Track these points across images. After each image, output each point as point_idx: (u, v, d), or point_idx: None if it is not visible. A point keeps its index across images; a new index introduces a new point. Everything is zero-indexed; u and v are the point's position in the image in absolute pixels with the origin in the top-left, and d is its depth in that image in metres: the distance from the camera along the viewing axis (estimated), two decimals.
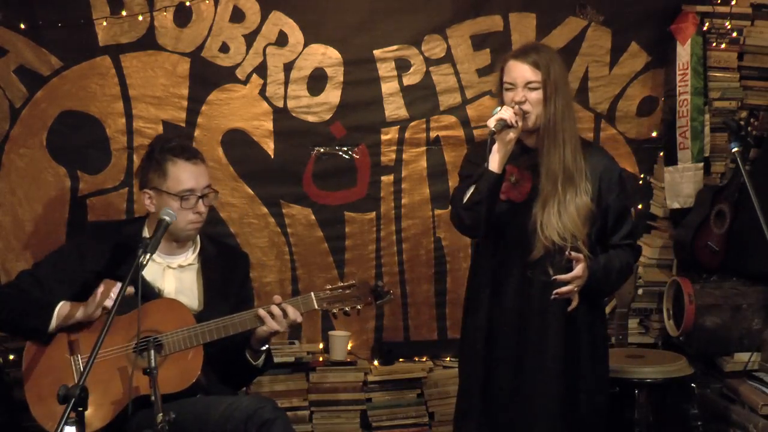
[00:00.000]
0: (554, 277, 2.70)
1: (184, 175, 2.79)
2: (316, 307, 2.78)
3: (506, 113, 2.61)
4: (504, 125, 2.60)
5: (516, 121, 2.62)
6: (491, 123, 2.61)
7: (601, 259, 2.77)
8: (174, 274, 2.88)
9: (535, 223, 2.70)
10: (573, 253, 2.68)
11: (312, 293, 2.80)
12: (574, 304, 2.73)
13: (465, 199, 2.67)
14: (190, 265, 2.91)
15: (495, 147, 2.63)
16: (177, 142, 2.88)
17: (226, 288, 2.93)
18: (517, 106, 2.66)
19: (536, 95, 2.68)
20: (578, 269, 2.68)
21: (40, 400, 2.66)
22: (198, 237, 2.96)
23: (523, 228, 2.72)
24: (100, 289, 2.66)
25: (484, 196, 2.61)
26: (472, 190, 2.65)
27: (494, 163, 2.63)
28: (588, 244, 2.73)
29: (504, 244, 2.77)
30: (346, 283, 2.83)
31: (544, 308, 2.75)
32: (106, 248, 2.81)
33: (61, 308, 2.70)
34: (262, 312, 2.72)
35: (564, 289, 2.70)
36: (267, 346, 2.86)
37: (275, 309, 2.72)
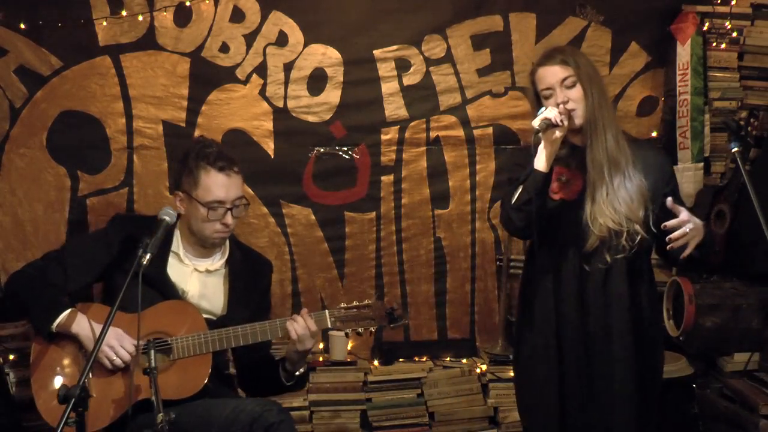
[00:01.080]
0: (664, 224, 2.55)
1: (214, 186, 2.76)
2: (330, 325, 2.76)
3: (551, 113, 2.62)
4: (548, 124, 2.60)
5: (561, 120, 2.62)
6: (536, 123, 2.61)
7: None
8: (200, 278, 2.87)
9: (587, 215, 2.68)
10: (671, 202, 2.54)
11: (326, 311, 2.78)
12: (689, 250, 2.59)
13: (513, 200, 2.66)
14: (217, 270, 2.90)
15: (541, 146, 2.63)
16: (214, 149, 2.82)
17: (249, 296, 2.92)
18: (562, 106, 2.66)
19: (577, 92, 2.68)
20: (684, 213, 2.55)
21: (45, 393, 2.65)
22: (227, 242, 2.94)
23: (577, 224, 2.70)
24: (113, 345, 2.65)
25: (532, 195, 2.62)
26: (519, 190, 2.65)
27: (540, 162, 2.63)
28: (645, 227, 2.68)
29: (560, 244, 2.74)
30: (361, 303, 2.80)
31: (605, 299, 2.72)
32: (133, 243, 2.75)
33: (65, 318, 2.67)
34: (289, 325, 2.72)
35: (677, 233, 2.54)
36: (302, 370, 2.85)
37: (299, 321, 2.72)
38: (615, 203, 2.66)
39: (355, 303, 2.80)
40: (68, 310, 2.68)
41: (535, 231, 2.67)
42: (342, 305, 2.80)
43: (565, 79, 2.68)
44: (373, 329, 2.79)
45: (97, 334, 2.63)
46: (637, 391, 2.72)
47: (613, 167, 2.68)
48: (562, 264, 2.74)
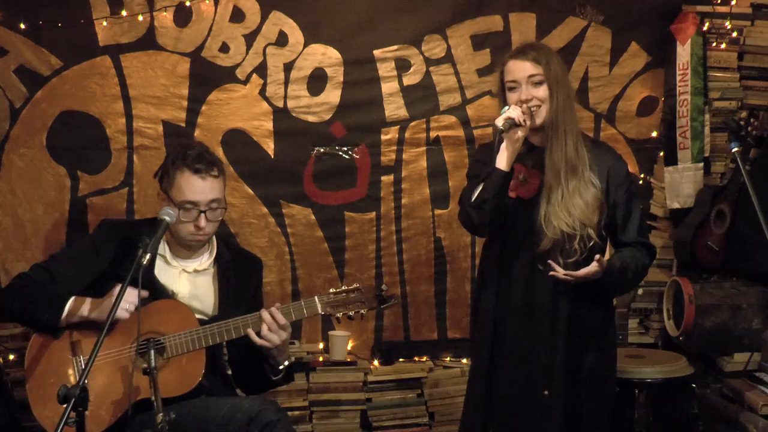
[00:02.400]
0: (566, 273, 2.64)
1: (187, 187, 2.76)
2: (320, 311, 2.76)
3: (514, 112, 2.63)
4: (512, 124, 2.62)
5: (524, 120, 2.64)
6: (499, 122, 2.62)
7: (616, 261, 2.73)
8: (189, 279, 2.86)
9: (541, 217, 2.70)
10: (598, 258, 2.63)
11: (316, 297, 2.77)
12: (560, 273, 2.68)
13: (473, 198, 2.68)
14: (205, 270, 2.90)
15: (503, 146, 2.65)
16: (195, 152, 2.81)
17: (241, 295, 2.92)
18: (524, 105, 2.67)
19: (542, 92, 2.69)
20: (586, 272, 2.63)
21: (41, 400, 2.65)
22: (214, 241, 2.94)
23: (531, 223, 2.72)
24: (116, 293, 2.62)
25: (492, 194, 2.63)
26: (480, 188, 2.67)
27: (502, 161, 2.65)
28: (598, 232, 2.72)
29: (512, 241, 2.77)
30: (349, 287, 2.80)
31: (553, 301, 2.74)
32: (121, 247, 2.78)
33: (73, 303, 2.67)
34: (265, 314, 2.71)
35: (559, 274, 2.65)
36: (287, 362, 2.85)
37: (265, 314, 2.71)
38: (570, 206, 2.68)
39: (343, 287, 2.81)
40: (72, 299, 2.68)
41: (490, 229, 2.70)
42: (331, 290, 2.80)
43: (532, 76, 2.69)
44: (364, 312, 2.79)
45: (106, 312, 2.58)
46: (567, 397, 2.74)
47: (570, 171, 2.70)
48: (514, 261, 2.76)
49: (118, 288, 2.56)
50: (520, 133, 2.65)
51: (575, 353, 2.76)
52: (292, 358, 2.89)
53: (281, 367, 2.83)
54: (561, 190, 2.69)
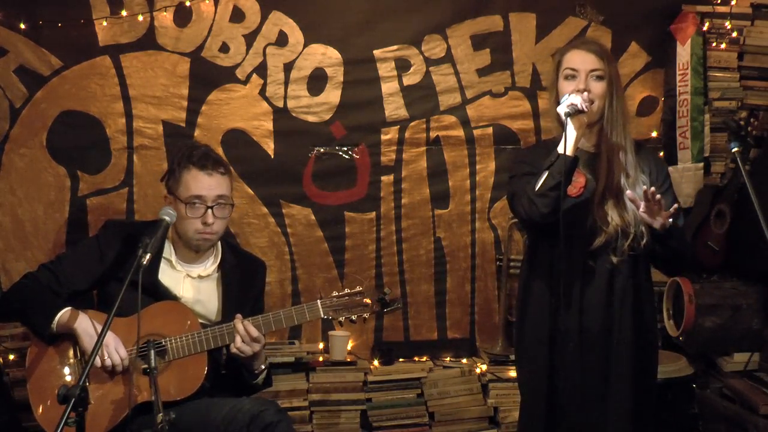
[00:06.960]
0: (649, 190, 2.56)
1: (193, 182, 2.78)
2: (323, 315, 2.76)
3: (577, 99, 2.60)
4: (576, 110, 2.59)
5: (586, 107, 2.61)
6: (563, 109, 2.60)
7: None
8: (193, 283, 2.87)
9: (596, 214, 2.69)
10: (652, 189, 2.56)
11: (318, 301, 2.77)
12: (658, 223, 2.60)
13: (538, 187, 2.64)
14: (209, 275, 2.90)
15: (568, 131, 2.61)
16: (201, 151, 2.85)
17: (243, 300, 2.92)
18: (586, 94, 2.64)
19: (600, 88, 2.67)
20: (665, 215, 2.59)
21: (42, 401, 2.65)
22: (219, 246, 2.94)
23: (582, 220, 2.70)
24: (109, 345, 2.65)
25: (559, 180, 2.58)
26: (544, 177, 2.62)
27: (568, 147, 2.61)
28: (648, 230, 2.70)
29: (564, 240, 2.68)
30: (352, 290, 2.80)
31: (608, 296, 2.72)
32: (123, 248, 2.79)
33: (68, 316, 2.68)
34: (238, 325, 2.73)
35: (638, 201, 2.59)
36: (263, 367, 2.86)
37: (239, 326, 2.72)
38: (628, 205, 2.68)
39: (346, 290, 2.80)
40: (66, 308, 2.69)
41: (551, 218, 2.61)
42: (334, 294, 2.79)
43: (595, 70, 2.68)
44: (366, 316, 2.79)
45: (98, 332, 2.62)
46: (633, 391, 2.72)
47: (626, 168, 2.71)
48: (565, 259, 2.70)
49: (109, 345, 2.62)
50: (584, 119, 2.63)
51: (631, 351, 2.73)
52: (268, 362, 2.89)
53: (257, 371, 2.84)
54: (617, 187, 2.69)
